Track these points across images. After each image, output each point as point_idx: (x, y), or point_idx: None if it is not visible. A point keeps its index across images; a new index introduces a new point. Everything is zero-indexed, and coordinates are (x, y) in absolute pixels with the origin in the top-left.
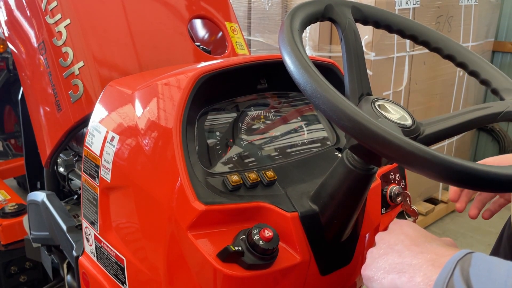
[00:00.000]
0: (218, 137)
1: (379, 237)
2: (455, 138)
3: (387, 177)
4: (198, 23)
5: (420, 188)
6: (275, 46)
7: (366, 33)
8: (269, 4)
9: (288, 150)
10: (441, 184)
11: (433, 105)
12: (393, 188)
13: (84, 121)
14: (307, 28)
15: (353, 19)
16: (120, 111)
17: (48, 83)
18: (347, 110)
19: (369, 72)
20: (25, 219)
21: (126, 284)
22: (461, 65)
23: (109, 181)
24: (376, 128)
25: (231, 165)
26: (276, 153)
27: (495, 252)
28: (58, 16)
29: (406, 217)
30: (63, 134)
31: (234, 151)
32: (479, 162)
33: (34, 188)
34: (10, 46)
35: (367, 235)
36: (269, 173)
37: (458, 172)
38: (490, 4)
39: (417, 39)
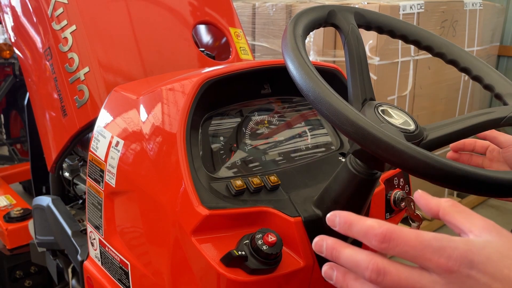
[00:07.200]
0: (222, 142)
1: None
2: None
3: (391, 182)
4: (202, 28)
5: None
6: (280, 51)
7: (370, 38)
8: (274, 9)
9: (291, 155)
10: (446, 189)
11: (438, 110)
12: (397, 193)
13: (89, 126)
14: (312, 33)
15: (356, 24)
16: (125, 116)
17: (54, 89)
18: (350, 116)
19: (374, 77)
20: (30, 223)
21: None
22: (465, 70)
23: (114, 186)
24: (378, 133)
25: (235, 170)
26: (280, 158)
27: None
28: (64, 23)
29: (410, 222)
30: (69, 139)
31: (238, 156)
32: None
33: (39, 193)
34: (17, 51)
35: None
36: (273, 178)
37: (461, 177)
38: (495, 9)
39: (420, 44)
